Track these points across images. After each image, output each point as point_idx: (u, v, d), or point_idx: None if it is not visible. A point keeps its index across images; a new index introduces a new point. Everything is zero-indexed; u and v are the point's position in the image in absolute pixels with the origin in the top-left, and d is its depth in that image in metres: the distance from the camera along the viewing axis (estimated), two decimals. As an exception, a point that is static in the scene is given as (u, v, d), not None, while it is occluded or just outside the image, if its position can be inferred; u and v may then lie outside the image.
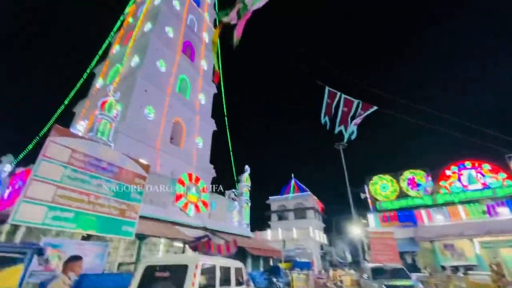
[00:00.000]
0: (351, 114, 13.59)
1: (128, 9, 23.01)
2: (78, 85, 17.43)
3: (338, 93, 13.58)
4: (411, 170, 20.41)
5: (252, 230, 19.71)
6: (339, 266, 25.51)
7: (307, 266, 18.13)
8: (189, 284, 3.95)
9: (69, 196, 7.31)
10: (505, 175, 17.55)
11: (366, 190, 21.18)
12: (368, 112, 13.43)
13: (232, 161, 20.90)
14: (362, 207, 21.72)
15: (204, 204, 14.19)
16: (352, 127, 13.90)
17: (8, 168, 13.96)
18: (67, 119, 18.76)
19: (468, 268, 13.32)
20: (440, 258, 15.78)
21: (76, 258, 3.21)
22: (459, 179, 18.59)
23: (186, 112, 18.89)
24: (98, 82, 19.56)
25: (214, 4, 27.30)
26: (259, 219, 34.95)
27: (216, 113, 22.49)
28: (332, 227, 36.47)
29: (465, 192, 18.04)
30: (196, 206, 13.66)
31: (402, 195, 19.87)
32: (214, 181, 19.18)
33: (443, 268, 14.31)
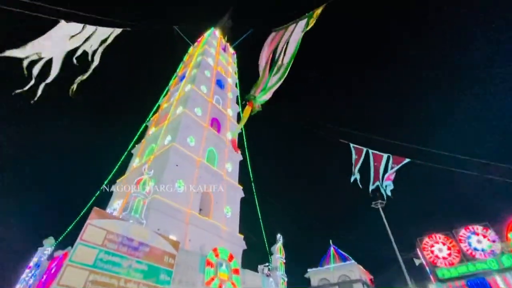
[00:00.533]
0: (382, 168, 13.00)
1: (163, 98, 26.79)
2: (117, 166, 19.16)
3: (364, 149, 13.35)
4: (468, 226, 17.70)
5: (292, 312, 17.09)
6: None
7: None
8: None
9: (100, 281, 7.17)
10: None
11: (420, 255, 18.31)
12: (401, 164, 12.78)
13: (263, 230, 19.87)
14: (419, 275, 18.49)
15: (236, 281, 12.98)
16: (386, 183, 13.12)
17: (48, 251, 14.47)
18: (106, 198, 19.95)
19: None
20: None
21: None
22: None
23: (214, 181, 19.33)
24: (135, 162, 21.35)
25: (236, 84, 31.11)
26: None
27: (243, 180, 22.72)
28: (388, 304, 30.52)
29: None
30: (233, 284, 12.52)
31: (465, 257, 16.77)
32: (245, 254, 17.96)
33: None
